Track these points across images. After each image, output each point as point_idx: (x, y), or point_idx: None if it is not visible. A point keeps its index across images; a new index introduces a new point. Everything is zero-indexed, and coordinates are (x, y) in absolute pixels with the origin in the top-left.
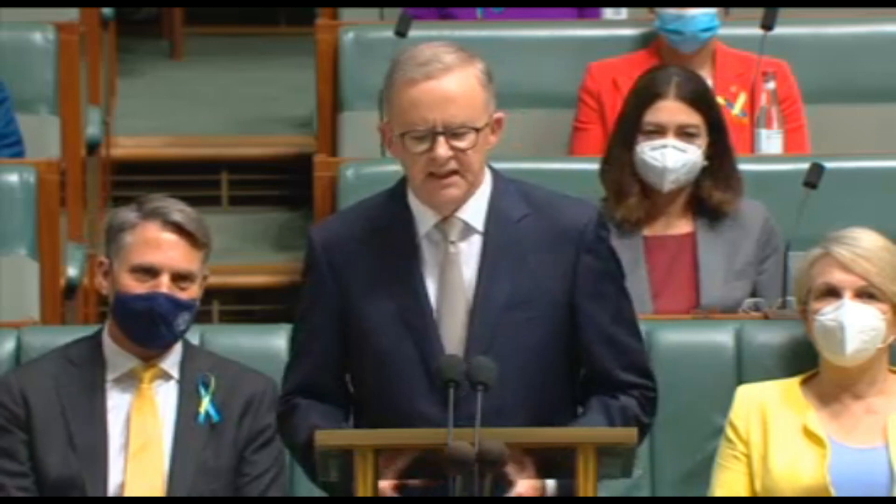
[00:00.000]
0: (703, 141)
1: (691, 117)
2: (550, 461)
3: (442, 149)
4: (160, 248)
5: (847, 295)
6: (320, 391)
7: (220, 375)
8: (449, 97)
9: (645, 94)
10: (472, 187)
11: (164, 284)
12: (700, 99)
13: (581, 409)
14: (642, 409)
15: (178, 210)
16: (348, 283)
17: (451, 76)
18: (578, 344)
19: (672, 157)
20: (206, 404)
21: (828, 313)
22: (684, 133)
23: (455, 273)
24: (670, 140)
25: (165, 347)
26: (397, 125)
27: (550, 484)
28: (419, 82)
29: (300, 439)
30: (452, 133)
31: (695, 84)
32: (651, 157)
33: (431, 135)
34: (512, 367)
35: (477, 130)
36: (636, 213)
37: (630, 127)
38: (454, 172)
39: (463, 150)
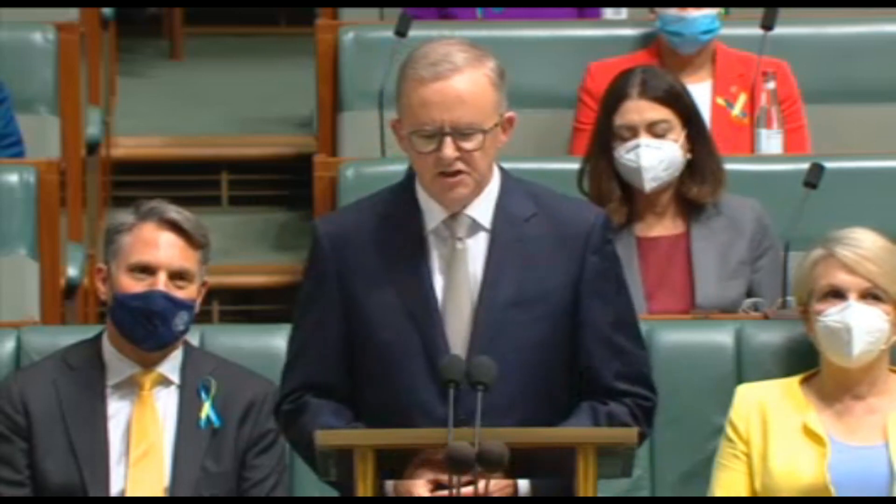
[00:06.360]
0: (677, 135)
1: (659, 113)
2: (528, 460)
3: (449, 149)
4: (157, 246)
5: (852, 297)
6: (326, 387)
7: (220, 379)
8: (458, 98)
9: (612, 99)
10: (480, 185)
11: (161, 282)
12: (666, 94)
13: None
14: (633, 417)
15: (175, 210)
16: (353, 276)
17: (461, 76)
18: (577, 345)
19: (646, 155)
20: (207, 409)
21: (832, 315)
22: (655, 130)
23: (461, 269)
24: (642, 139)
25: (164, 347)
26: (406, 123)
27: (523, 484)
28: (429, 82)
29: (305, 439)
30: (460, 133)
31: (660, 80)
32: (627, 159)
33: (439, 135)
34: (514, 365)
35: (484, 132)
36: (617, 219)
37: (604, 133)
38: (461, 172)
39: (469, 151)
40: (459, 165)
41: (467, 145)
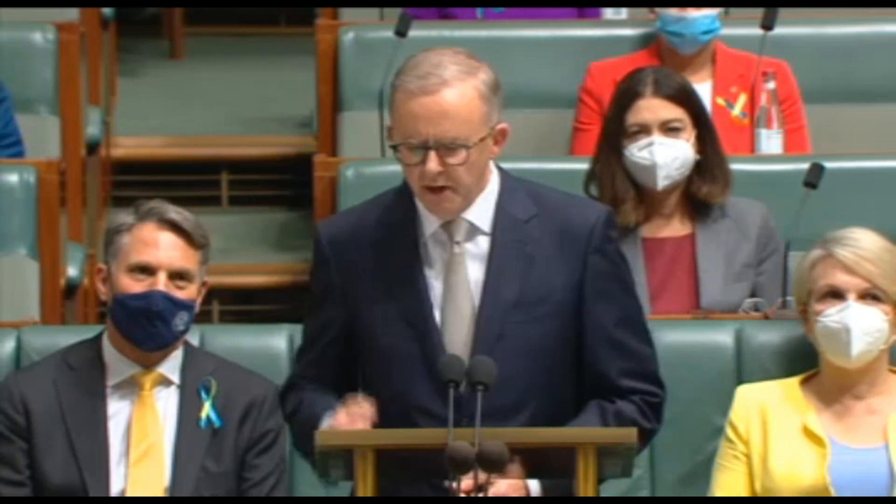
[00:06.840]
0: (689, 135)
1: (673, 112)
2: (538, 461)
3: (432, 163)
4: (157, 246)
5: (851, 297)
6: (323, 379)
7: (221, 379)
8: (443, 112)
9: (624, 97)
10: (468, 198)
11: (161, 283)
12: (679, 93)
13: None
14: (642, 414)
15: (175, 210)
16: (354, 279)
17: (449, 90)
18: (582, 345)
19: (660, 153)
20: (207, 409)
21: (831, 315)
22: (669, 128)
23: (460, 273)
24: (656, 137)
25: (164, 347)
26: (396, 134)
27: (533, 484)
28: (416, 95)
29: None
30: (445, 148)
31: (672, 80)
32: (640, 157)
33: (423, 148)
34: (517, 367)
35: (468, 147)
36: (633, 218)
37: (615, 132)
38: (446, 188)
39: (453, 166)
40: (442, 181)
41: (451, 160)
